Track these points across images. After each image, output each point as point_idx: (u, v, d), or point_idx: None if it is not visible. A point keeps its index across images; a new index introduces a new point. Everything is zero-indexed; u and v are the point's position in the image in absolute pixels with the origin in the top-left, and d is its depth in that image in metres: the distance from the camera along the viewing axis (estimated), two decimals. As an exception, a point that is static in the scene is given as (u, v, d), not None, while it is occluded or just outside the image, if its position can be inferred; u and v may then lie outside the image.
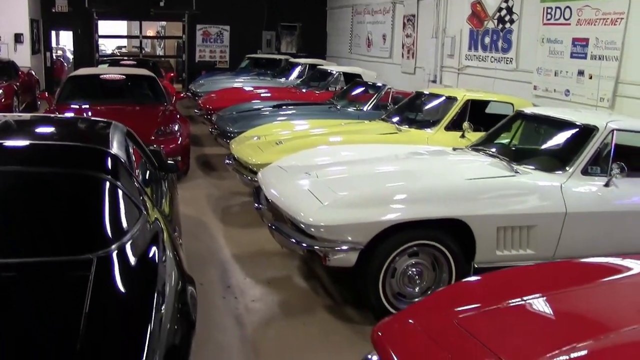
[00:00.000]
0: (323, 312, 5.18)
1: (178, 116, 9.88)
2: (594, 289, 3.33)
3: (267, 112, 10.21)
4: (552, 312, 3.10)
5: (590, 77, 9.89)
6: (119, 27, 28.42)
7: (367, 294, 4.89)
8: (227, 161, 8.16)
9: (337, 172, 5.62)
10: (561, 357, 2.56)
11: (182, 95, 13.28)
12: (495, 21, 12.36)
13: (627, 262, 3.63)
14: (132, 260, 3.16)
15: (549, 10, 10.82)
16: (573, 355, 2.58)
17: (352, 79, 12.37)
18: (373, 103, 10.34)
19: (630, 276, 3.49)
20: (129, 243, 3.19)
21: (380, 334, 3.14)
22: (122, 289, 2.97)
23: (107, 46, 27.98)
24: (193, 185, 9.23)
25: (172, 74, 19.06)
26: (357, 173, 5.49)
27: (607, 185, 5.35)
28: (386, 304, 4.85)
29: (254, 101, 11.62)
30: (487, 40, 12.69)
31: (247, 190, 8.38)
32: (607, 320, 2.98)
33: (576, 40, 10.24)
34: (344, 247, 4.68)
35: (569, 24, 10.39)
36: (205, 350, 4.33)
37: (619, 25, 9.39)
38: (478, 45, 12.99)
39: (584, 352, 2.60)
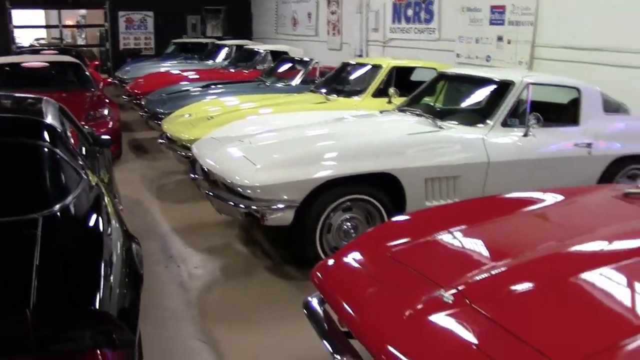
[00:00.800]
0: (264, 273, 5.35)
1: (107, 100, 9.81)
2: (514, 218, 3.60)
3: (197, 92, 10.23)
4: (476, 240, 3.32)
5: (509, 42, 10.28)
6: (36, 17, 27.63)
7: (305, 250, 5.08)
8: (160, 140, 8.22)
9: (269, 138, 5.77)
10: (483, 275, 2.80)
11: (109, 80, 13.15)
12: (417, -7, 12.68)
13: (542, 195, 3.92)
14: (77, 218, 3.26)
15: (468, -20, 11.18)
16: (494, 272, 2.82)
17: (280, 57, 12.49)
18: (301, 78, 10.49)
19: (546, 206, 3.78)
20: (72, 203, 3.29)
21: (319, 274, 3.32)
22: (69, 243, 3.06)
23: (24, 38, 27.16)
24: (127, 167, 9.22)
25: (96, 62, 18.78)
26: (288, 137, 5.65)
27: (525, 135, 5.67)
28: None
29: (182, 83, 11.61)
30: (410, 12, 12.99)
31: (181, 169, 8.47)
32: (524, 243, 3.24)
33: (494, 7, 10.63)
34: (280, 206, 4.85)
35: (487, -7, 10.78)
36: (152, 315, 4.44)
37: (532, -8, 9.80)
38: (401, 17, 13.28)
39: (503, 269, 2.84)
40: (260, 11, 21.44)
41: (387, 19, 13.73)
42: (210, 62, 15.33)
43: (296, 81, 10.42)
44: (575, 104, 6.33)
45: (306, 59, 11.26)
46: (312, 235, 4.99)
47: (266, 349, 4.13)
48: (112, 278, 2.85)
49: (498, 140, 5.59)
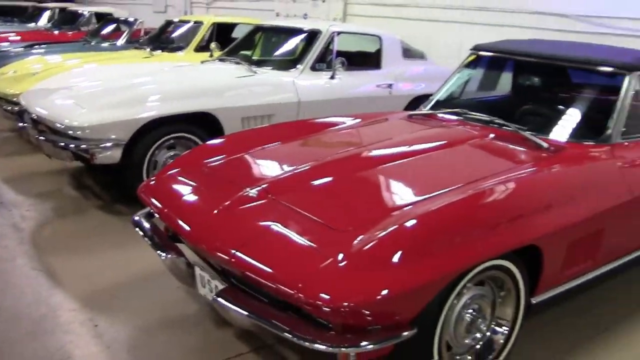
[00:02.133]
0: (95, 211, 5.67)
1: None
2: (319, 135, 4.24)
3: (19, 51, 10.13)
4: (284, 152, 3.92)
5: (324, 1, 10.98)
6: None
7: (133, 186, 5.42)
8: (-17, 98, 8.18)
9: (96, 85, 6.04)
10: (285, 175, 3.40)
11: None
12: (237, -45, 13.10)
13: (344, 119, 4.60)
14: None
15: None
16: (295, 172, 3.44)
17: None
18: (126, 37, 10.67)
19: (346, 126, 4.47)
20: None
21: (143, 191, 3.78)
22: None
23: None
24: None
25: None
26: (114, 84, 5.94)
27: (332, 77, 6.35)
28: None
29: (2, 44, 11.38)
30: (232, -26, 13.41)
31: (6, 127, 8.49)
32: (325, 152, 3.86)
33: (310, -32, 11.27)
34: (108, 144, 5.19)
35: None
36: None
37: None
38: (224, -21, 13.68)
39: (303, 169, 3.46)
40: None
41: (211, -19, 14.11)
42: (32, 24, 14.98)
43: (121, 41, 10.59)
44: (378, 51, 7.10)
45: (131, 19, 11.44)
46: (139, 172, 5.37)
47: (97, 268, 4.50)
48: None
49: (307, 82, 6.23)
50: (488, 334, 3.21)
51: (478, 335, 3.15)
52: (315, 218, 2.96)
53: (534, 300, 3.30)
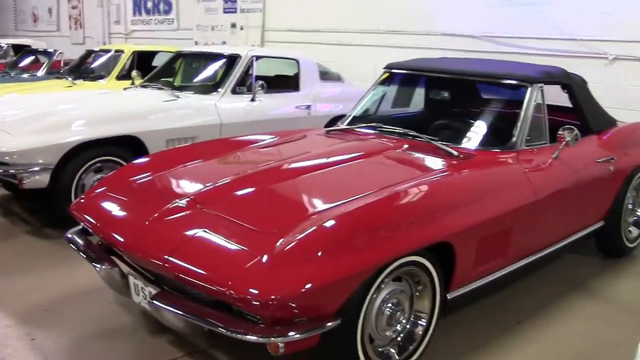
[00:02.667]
0: (24, 236, 5.74)
1: None
2: (240, 151, 4.50)
3: None
4: (207, 168, 4.16)
5: (242, 28, 11.32)
6: None
7: (62, 210, 5.56)
8: None
9: (21, 113, 6.09)
10: (211, 186, 3.64)
11: None
12: (156, -14, 13.34)
13: (264, 136, 4.86)
14: None
15: (201, -28, 12.06)
16: (219, 183, 3.68)
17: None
18: (47, 68, 10.72)
19: (267, 142, 4.74)
20: None
21: (75, 208, 3.94)
22: None
23: None
24: None
25: None
26: (40, 111, 6.01)
27: (252, 100, 6.63)
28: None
29: None
30: (149, 4, 13.62)
31: None
32: (246, 166, 4.09)
33: (228, -3, 11.61)
34: (37, 169, 5.31)
35: (220, -16, 11.74)
36: None
37: (260, -19, 10.89)
38: (142, 10, 13.87)
39: (227, 181, 3.71)
40: (-4, 7, 20.75)
41: (129, 11, 14.26)
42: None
43: (42, 72, 10.65)
44: (296, 74, 7.44)
45: (50, 50, 11.47)
46: (68, 195, 5.50)
47: (30, 287, 4.60)
48: None
49: (229, 105, 6.51)
50: (408, 326, 3.47)
51: (398, 327, 3.41)
52: (241, 223, 3.22)
53: (449, 296, 3.59)
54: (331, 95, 7.62)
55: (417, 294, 3.48)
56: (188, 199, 3.50)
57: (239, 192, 3.60)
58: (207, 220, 3.29)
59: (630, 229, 5.29)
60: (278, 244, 2.90)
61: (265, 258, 2.84)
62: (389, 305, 3.30)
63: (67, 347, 3.78)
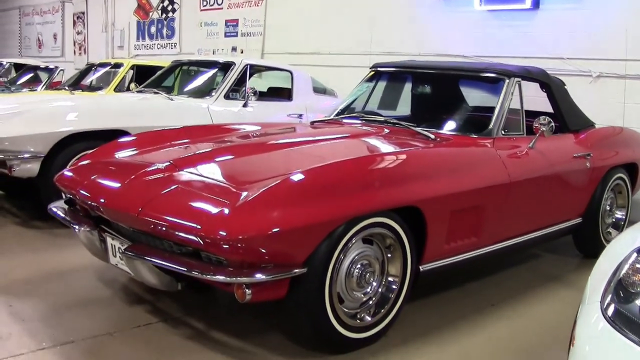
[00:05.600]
0: (13, 225, 5.84)
1: None
2: (224, 134, 4.62)
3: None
4: (188, 145, 4.26)
5: (242, 52, 11.52)
6: None
7: (51, 200, 5.64)
8: None
9: (15, 105, 6.12)
10: (189, 154, 3.77)
11: None
12: (159, 12, 13.62)
13: (250, 126, 5.00)
14: None
15: (205, -2, 12.39)
16: (198, 152, 3.83)
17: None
18: (46, 84, 10.90)
19: (253, 129, 4.90)
20: None
21: (58, 179, 4.08)
22: None
23: None
24: None
25: None
26: (33, 104, 6.14)
27: (245, 106, 6.77)
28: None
29: None
30: (153, 29, 13.88)
31: None
32: (227, 144, 4.22)
33: (228, 21, 11.85)
34: (27, 156, 5.42)
35: (222, 9, 12.01)
36: None
37: (261, 6, 11.14)
38: (145, 34, 14.12)
39: (206, 150, 3.85)
40: (2, 33, 21.06)
41: (132, 36, 14.52)
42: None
43: (41, 88, 10.80)
44: (290, 85, 7.62)
45: (51, 66, 11.66)
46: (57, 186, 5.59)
47: (13, 266, 4.67)
48: None
49: (221, 109, 6.64)
50: (380, 290, 3.51)
51: (369, 290, 3.46)
52: (215, 181, 3.36)
53: (422, 268, 3.67)
54: (324, 107, 7.72)
55: (389, 256, 3.52)
56: (168, 162, 3.62)
57: (218, 159, 3.73)
58: (183, 178, 3.43)
59: (609, 230, 5.36)
60: (248, 192, 3.02)
61: (235, 205, 2.95)
62: (358, 266, 3.36)
63: (45, 313, 3.84)
